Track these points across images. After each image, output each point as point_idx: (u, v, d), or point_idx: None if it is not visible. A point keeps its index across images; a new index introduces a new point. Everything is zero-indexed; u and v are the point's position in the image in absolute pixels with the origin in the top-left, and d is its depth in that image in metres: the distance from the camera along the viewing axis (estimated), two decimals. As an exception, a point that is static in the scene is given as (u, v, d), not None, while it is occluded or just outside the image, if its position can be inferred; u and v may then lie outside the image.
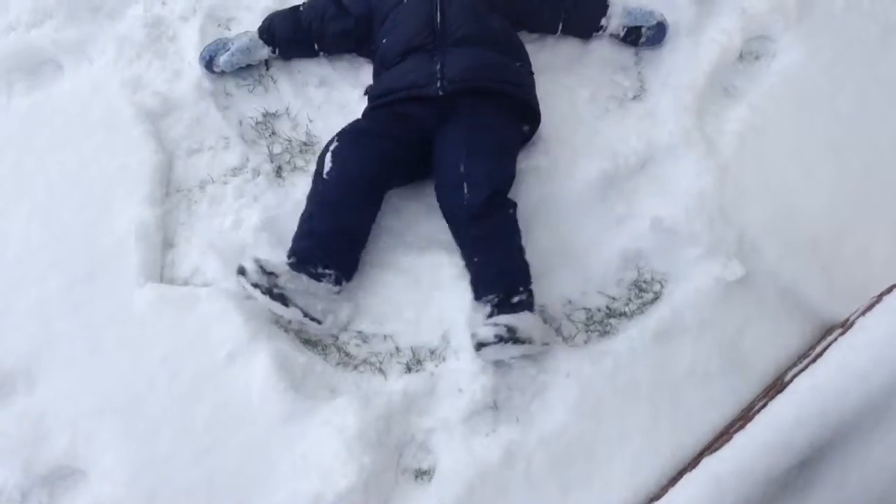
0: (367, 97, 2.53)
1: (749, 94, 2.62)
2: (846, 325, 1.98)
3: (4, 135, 2.58)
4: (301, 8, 2.69)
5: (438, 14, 2.48)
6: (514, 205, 2.28)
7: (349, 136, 2.35)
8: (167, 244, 2.39)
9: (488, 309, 2.15)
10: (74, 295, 2.26)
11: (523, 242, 2.26)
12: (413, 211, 2.45)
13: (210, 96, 2.64)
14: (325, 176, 2.28)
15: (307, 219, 2.28)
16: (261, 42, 2.65)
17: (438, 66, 2.39)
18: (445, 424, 2.08)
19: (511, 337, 2.04)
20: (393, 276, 2.34)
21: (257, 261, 2.15)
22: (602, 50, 2.75)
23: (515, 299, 2.16)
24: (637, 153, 2.50)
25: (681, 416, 2.08)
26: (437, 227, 2.37)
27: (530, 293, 2.20)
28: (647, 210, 2.38)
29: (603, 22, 2.69)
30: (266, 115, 2.64)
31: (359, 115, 2.53)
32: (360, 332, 2.26)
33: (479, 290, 2.20)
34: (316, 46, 2.69)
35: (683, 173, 2.43)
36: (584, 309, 2.29)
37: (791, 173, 2.45)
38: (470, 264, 2.25)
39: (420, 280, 2.32)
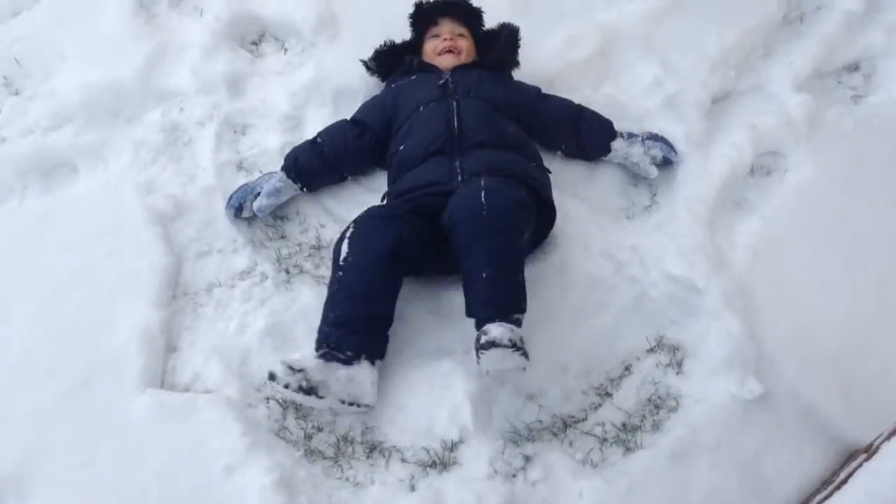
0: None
1: (761, 208, 2.62)
2: (871, 451, 1.91)
3: (15, 236, 2.58)
4: (319, 139, 2.68)
5: (456, 120, 2.53)
6: (524, 229, 2.28)
7: (364, 221, 2.34)
8: (170, 348, 2.35)
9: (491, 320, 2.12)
10: (72, 402, 2.19)
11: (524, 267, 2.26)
12: (422, 319, 2.40)
13: (222, 199, 2.64)
14: (341, 263, 2.27)
15: (331, 308, 2.25)
16: (290, 181, 2.61)
17: (458, 164, 2.43)
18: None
19: (520, 347, 2.05)
20: (401, 384, 2.27)
21: (284, 362, 2.13)
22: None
23: (515, 317, 2.15)
24: (650, 265, 2.47)
25: (699, 546, 1.98)
26: (447, 336, 2.34)
27: (523, 314, 2.19)
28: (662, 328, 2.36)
29: (603, 158, 2.75)
30: (276, 217, 2.64)
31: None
32: (364, 443, 2.19)
33: (483, 307, 2.17)
34: (345, 173, 2.70)
35: (696, 286, 2.39)
36: (599, 424, 2.22)
37: (807, 288, 2.42)
38: (474, 277, 2.19)
39: (431, 385, 2.25)
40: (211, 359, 2.30)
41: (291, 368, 2.11)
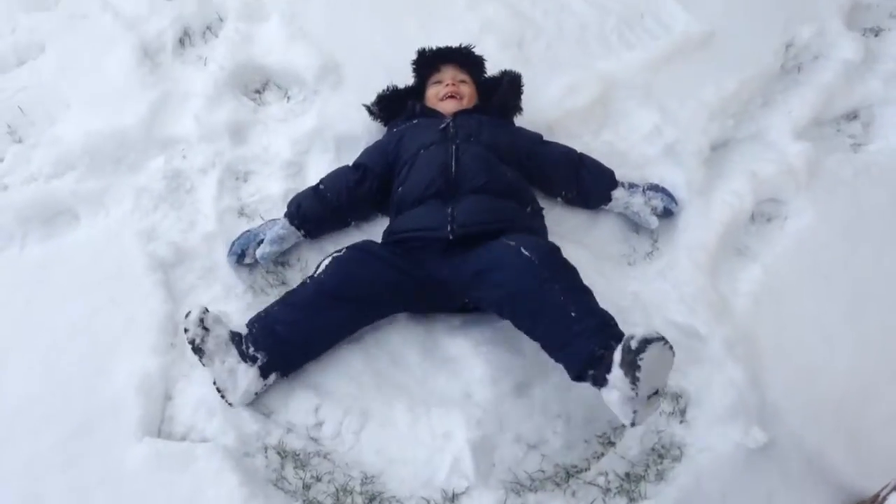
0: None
1: (763, 256, 2.63)
2: (877, 501, 1.89)
3: (15, 284, 2.57)
4: (321, 185, 2.69)
5: (454, 164, 2.54)
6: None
7: (353, 251, 2.39)
8: (168, 396, 2.32)
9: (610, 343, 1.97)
10: (68, 451, 2.16)
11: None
12: (420, 366, 2.39)
13: (223, 245, 2.63)
14: (313, 274, 2.36)
15: (277, 303, 2.36)
16: (293, 228, 2.62)
17: (450, 210, 2.43)
18: None
19: (667, 339, 1.89)
20: (400, 432, 2.24)
21: (204, 311, 2.22)
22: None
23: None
24: (653, 312, 2.47)
25: None
26: (446, 383, 2.31)
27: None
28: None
29: (604, 207, 2.76)
30: (277, 264, 2.65)
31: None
32: (363, 493, 2.15)
33: (594, 336, 2.02)
34: (348, 219, 2.72)
35: (699, 333, 2.38)
36: (602, 473, 2.18)
37: (810, 336, 2.41)
38: (564, 324, 2.06)
39: (432, 434, 2.22)
40: (208, 407, 2.27)
41: (202, 321, 2.20)
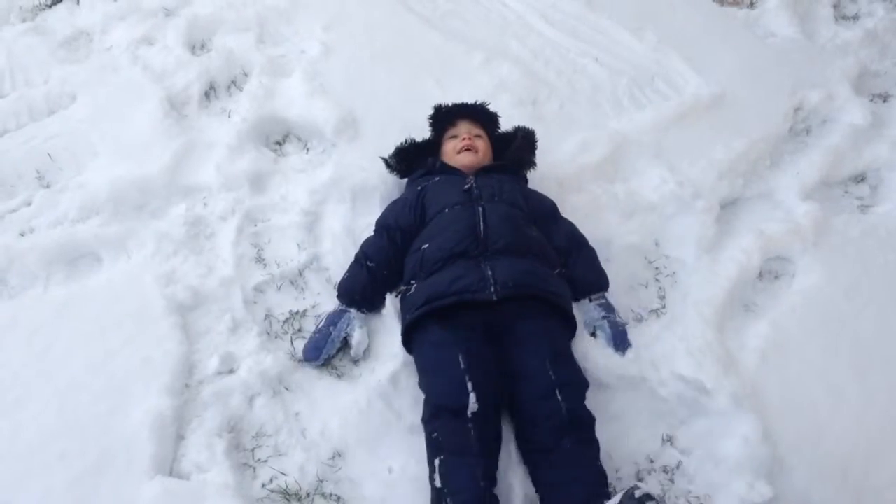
0: (400, 299, 2.60)
1: (770, 312, 2.65)
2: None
3: (36, 324, 2.61)
4: (370, 264, 2.66)
5: (482, 225, 2.58)
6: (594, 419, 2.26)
7: (451, 454, 2.15)
8: (179, 436, 2.34)
9: None
10: (82, 488, 2.18)
11: None
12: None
13: (240, 290, 2.70)
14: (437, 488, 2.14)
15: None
16: (355, 312, 2.60)
17: (490, 273, 2.44)
18: None
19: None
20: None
21: None
22: (623, 262, 2.82)
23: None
24: (660, 365, 2.48)
25: None
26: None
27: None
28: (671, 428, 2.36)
29: (583, 301, 2.68)
30: (293, 313, 2.68)
31: (386, 319, 2.60)
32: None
33: (591, 488, 2.11)
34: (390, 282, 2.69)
35: (705, 387, 2.39)
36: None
37: (816, 393, 2.41)
38: (558, 476, 2.14)
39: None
40: (220, 448, 2.30)
41: None
